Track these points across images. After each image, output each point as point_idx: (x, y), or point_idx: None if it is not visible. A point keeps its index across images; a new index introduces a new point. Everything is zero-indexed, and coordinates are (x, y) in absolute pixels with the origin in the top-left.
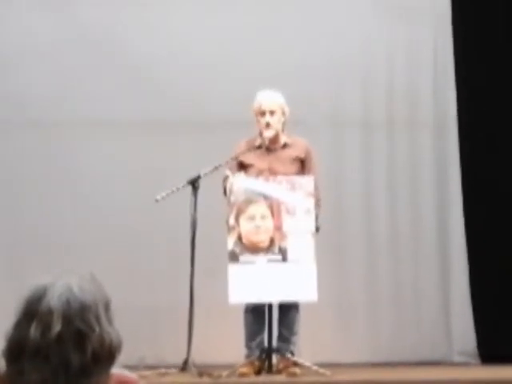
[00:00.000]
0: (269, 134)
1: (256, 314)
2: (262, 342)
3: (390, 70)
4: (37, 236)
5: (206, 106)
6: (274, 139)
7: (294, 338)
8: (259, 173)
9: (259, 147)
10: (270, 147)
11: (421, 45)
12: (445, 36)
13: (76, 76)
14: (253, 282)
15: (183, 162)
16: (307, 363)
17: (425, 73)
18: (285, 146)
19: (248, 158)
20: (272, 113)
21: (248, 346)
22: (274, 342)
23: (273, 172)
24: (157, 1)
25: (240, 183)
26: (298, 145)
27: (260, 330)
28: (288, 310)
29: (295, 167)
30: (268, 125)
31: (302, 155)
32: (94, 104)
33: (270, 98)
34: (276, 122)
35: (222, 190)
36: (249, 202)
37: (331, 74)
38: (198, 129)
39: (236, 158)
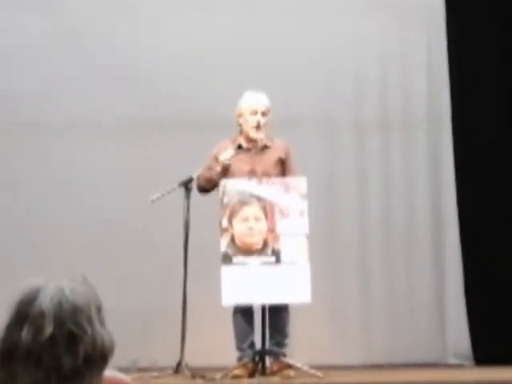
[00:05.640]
0: (260, 135)
1: (245, 315)
2: (253, 343)
3: (383, 70)
4: (27, 237)
5: (197, 106)
6: (257, 141)
7: (286, 340)
8: (241, 175)
9: (240, 147)
10: (251, 149)
11: (414, 45)
12: (438, 35)
13: (67, 77)
14: (246, 284)
15: (174, 162)
16: (301, 365)
17: (418, 72)
18: (265, 147)
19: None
20: (263, 114)
21: (239, 348)
22: (267, 345)
23: (254, 174)
24: (147, 2)
25: (233, 185)
26: (278, 146)
27: (250, 331)
28: (279, 313)
29: (277, 169)
30: (259, 125)
31: (283, 156)
32: (84, 105)
33: (262, 99)
34: (264, 123)
35: (198, 186)
36: (242, 203)
37: (324, 74)
38: (189, 129)
39: (229, 160)
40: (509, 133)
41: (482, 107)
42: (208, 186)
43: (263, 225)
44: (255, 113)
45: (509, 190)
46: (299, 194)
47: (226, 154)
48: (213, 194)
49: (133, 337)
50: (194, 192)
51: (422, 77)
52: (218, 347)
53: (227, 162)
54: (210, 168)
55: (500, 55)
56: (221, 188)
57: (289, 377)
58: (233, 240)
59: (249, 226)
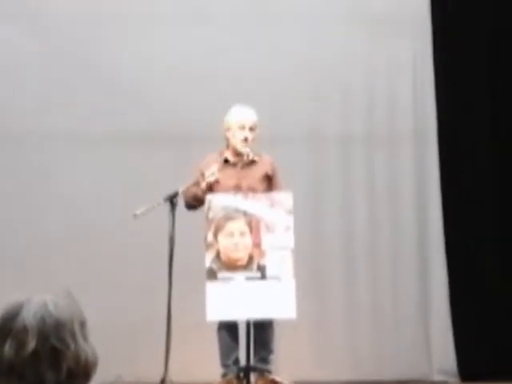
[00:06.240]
0: (248, 149)
1: (229, 330)
2: (237, 359)
3: (368, 83)
4: (10, 250)
5: (184, 120)
6: (244, 155)
7: (271, 356)
8: (227, 190)
9: (226, 162)
10: (238, 163)
11: (400, 57)
12: (424, 48)
13: (52, 89)
14: (231, 300)
15: (159, 175)
16: (285, 381)
17: (404, 86)
18: (252, 162)
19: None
20: (251, 129)
21: (224, 364)
22: (252, 361)
23: (240, 189)
24: (131, 14)
25: (219, 200)
26: (265, 161)
27: (235, 347)
28: (264, 329)
29: (264, 185)
30: (246, 140)
31: (270, 172)
32: (69, 117)
33: (250, 114)
34: (252, 138)
35: (185, 203)
36: (227, 218)
37: (310, 88)
38: (175, 143)
39: (214, 176)
40: (495, 146)
41: (468, 120)
42: (195, 203)
43: (248, 240)
44: (243, 127)
45: (494, 203)
46: (285, 209)
47: (210, 172)
48: (198, 209)
49: (117, 352)
50: (180, 207)
51: (408, 90)
52: (202, 363)
53: (212, 179)
54: (195, 184)
55: (486, 68)
56: (206, 203)
57: None
58: (218, 255)
59: (234, 242)
